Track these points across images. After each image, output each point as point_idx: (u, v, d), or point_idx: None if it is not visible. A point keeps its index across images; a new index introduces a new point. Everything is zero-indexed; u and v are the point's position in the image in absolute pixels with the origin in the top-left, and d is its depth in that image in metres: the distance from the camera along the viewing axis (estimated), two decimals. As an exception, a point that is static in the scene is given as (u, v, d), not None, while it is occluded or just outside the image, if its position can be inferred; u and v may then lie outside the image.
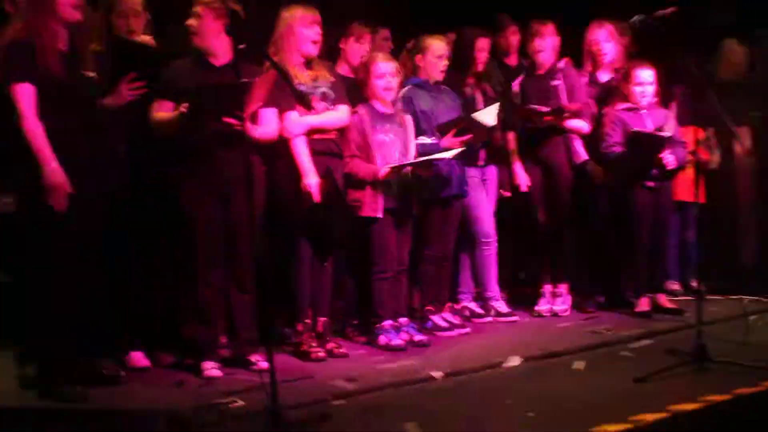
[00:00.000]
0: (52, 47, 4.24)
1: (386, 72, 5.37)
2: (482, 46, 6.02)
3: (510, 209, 6.31)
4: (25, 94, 4.19)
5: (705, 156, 6.53)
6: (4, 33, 4.34)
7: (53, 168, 4.18)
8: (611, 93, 6.21)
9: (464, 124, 5.67)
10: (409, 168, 5.37)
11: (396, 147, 5.40)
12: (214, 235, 4.78)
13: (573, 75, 6.14)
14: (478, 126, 5.67)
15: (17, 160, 4.23)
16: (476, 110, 5.80)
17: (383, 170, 5.27)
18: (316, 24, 5.08)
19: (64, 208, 4.21)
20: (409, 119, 5.53)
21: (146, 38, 4.90)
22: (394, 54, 5.89)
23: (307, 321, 5.14)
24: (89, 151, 4.38)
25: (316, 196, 4.97)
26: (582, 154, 6.09)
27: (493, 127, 5.78)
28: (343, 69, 5.67)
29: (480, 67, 6.05)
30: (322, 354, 5.08)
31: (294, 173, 5.02)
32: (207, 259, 4.77)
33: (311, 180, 4.99)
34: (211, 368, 4.75)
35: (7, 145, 4.27)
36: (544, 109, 5.95)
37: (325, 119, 5.14)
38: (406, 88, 5.65)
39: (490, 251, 6.03)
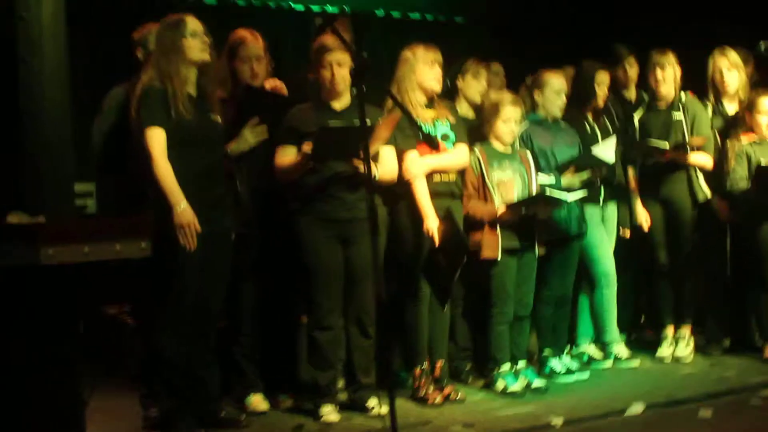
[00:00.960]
0: (182, 91, 4.55)
1: (513, 118, 5.50)
2: (602, 80, 6.10)
3: (630, 248, 6.33)
4: (156, 139, 4.50)
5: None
6: (137, 80, 4.65)
7: (183, 208, 4.46)
8: (736, 124, 6.20)
9: (583, 161, 5.81)
10: (527, 207, 5.46)
11: (516, 184, 5.50)
12: (335, 278, 4.97)
13: (696, 107, 6.16)
14: (598, 163, 5.81)
15: (150, 203, 4.53)
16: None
17: (500, 210, 5.40)
18: (437, 63, 5.24)
19: (194, 247, 4.49)
20: (528, 155, 5.63)
21: (272, 82, 5.13)
22: (508, 89, 6.03)
23: (425, 365, 5.31)
24: (215, 194, 4.67)
25: (437, 239, 5.12)
26: (706, 190, 6.14)
27: (612, 164, 5.89)
28: (461, 107, 5.79)
29: (600, 102, 6.13)
30: (439, 399, 5.23)
31: (415, 215, 5.17)
32: (327, 301, 4.96)
33: (431, 223, 5.12)
34: (329, 412, 4.96)
35: (141, 189, 4.59)
36: (666, 146, 6.01)
37: (445, 160, 5.28)
38: (524, 125, 5.72)
39: (609, 293, 6.04)
